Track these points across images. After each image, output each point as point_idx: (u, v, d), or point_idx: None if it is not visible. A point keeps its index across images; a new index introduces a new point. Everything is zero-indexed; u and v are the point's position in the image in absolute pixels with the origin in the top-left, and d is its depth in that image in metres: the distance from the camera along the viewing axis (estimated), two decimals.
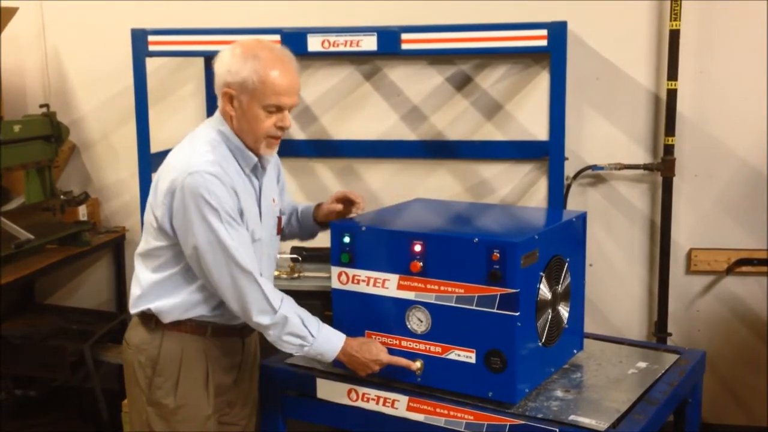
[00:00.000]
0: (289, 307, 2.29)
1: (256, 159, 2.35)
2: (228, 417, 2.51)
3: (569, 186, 3.81)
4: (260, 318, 2.26)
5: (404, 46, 3.46)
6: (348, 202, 2.58)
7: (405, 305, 2.32)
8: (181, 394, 2.36)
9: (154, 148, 3.65)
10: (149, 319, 2.37)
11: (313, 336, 2.29)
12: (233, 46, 2.30)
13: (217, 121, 2.35)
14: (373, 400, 2.38)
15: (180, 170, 2.22)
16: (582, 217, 2.59)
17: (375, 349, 2.34)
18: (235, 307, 2.27)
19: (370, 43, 3.49)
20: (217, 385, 2.42)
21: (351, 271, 2.40)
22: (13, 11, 4.06)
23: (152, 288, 2.34)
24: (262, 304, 2.25)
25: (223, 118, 2.34)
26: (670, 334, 3.80)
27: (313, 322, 2.31)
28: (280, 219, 2.54)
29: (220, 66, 2.30)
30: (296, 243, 3.10)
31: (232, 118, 2.31)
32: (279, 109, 2.28)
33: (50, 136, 4.05)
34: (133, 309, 2.39)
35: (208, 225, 2.20)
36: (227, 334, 2.42)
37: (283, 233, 2.66)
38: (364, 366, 2.34)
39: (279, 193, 2.60)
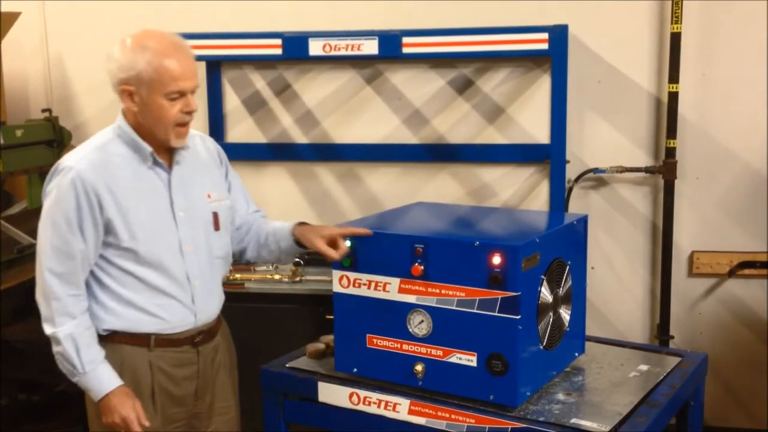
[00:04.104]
0: (70, 332, 2.24)
1: (150, 150, 2.30)
2: (196, 428, 2.47)
3: (571, 189, 3.80)
4: (44, 325, 2.27)
5: (405, 50, 3.47)
6: (332, 244, 2.39)
7: (406, 309, 2.32)
8: None
9: None
10: None
11: (83, 370, 2.25)
12: (120, 41, 2.26)
13: (117, 119, 2.34)
14: (374, 403, 2.38)
15: (53, 168, 2.28)
16: (583, 220, 2.59)
17: (128, 405, 2.27)
18: (39, 306, 2.28)
19: (371, 46, 3.51)
20: (168, 397, 2.38)
21: (352, 275, 2.39)
22: (15, 16, 4.07)
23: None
24: (48, 313, 2.25)
25: (122, 115, 2.32)
26: (672, 337, 3.80)
27: (92, 359, 2.26)
28: (215, 215, 2.45)
29: (111, 64, 2.26)
30: None
31: (134, 114, 2.28)
32: (181, 94, 2.24)
33: (52, 141, 4.06)
34: None
35: (44, 220, 2.25)
36: (175, 345, 2.37)
37: (258, 255, 2.58)
38: (111, 413, 2.27)
39: (230, 192, 2.54)
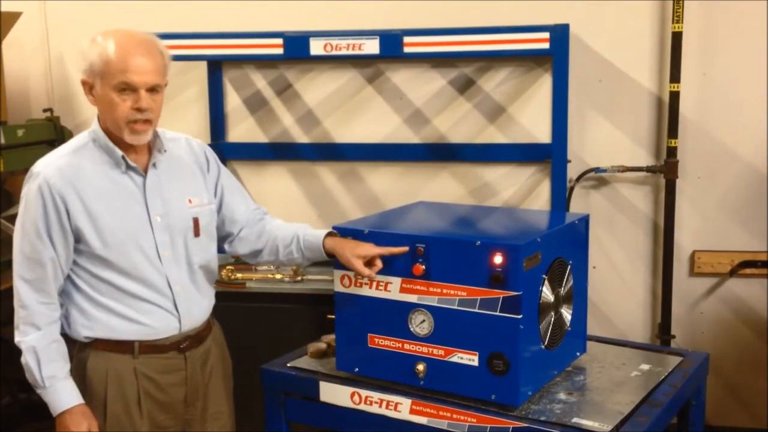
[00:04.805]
0: (33, 344, 2.24)
1: (120, 154, 2.27)
2: None
3: (572, 188, 3.80)
4: (15, 331, 2.27)
5: (406, 50, 3.47)
6: (369, 263, 2.33)
7: (407, 308, 2.32)
8: (111, 415, 2.32)
9: None
10: (71, 340, 2.33)
11: (42, 385, 2.26)
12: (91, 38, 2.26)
13: (93, 123, 2.32)
14: (376, 403, 2.38)
15: (29, 173, 2.29)
16: (585, 220, 2.59)
17: (83, 426, 2.26)
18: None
19: (372, 46, 3.50)
20: (155, 403, 2.36)
21: (354, 275, 2.39)
22: (16, 16, 4.07)
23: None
24: (17, 320, 2.26)
25: (96, 118, 2.31)
26: (674, 337, 3.80)
27: (53, 375, 2.26)
28: (196, 221, 2.40)
29: (79, 60, 2.26)
30: None
31: (103, 115, 2.26)
32: (131, 88, 2.19)
33: (54, 141, 4.06)
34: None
35: (17, 226, 2.26)
36: (160, 351, 2.36)
37: (276, 258, 2.54)
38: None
39: (224, 193, 2.51)
